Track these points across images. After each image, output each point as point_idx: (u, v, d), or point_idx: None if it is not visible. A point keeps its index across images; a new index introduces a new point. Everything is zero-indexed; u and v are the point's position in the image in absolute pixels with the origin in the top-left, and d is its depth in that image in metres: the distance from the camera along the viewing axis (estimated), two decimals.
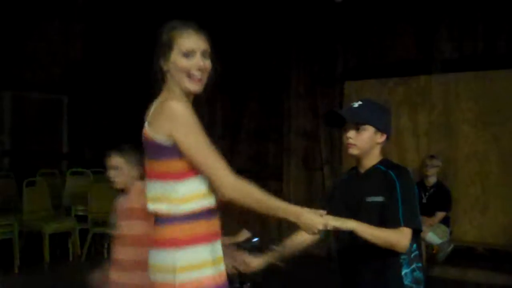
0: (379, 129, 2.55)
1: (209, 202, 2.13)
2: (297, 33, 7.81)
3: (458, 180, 6.61)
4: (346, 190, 2.66)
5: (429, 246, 6.14)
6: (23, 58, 8.30)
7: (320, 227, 2.16)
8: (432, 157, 6.52)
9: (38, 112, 8.71)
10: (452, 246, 6.19)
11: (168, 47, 2.12)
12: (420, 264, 2.52)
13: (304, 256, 2.81)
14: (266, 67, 8.09)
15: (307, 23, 7.71)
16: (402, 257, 2.46)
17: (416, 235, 2.48)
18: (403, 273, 2.46)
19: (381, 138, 2.57)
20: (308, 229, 2.16)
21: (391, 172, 2.50)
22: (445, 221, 6.34)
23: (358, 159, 2.61)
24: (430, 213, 6.27)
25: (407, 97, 6.99)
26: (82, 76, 8.89)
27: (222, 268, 2.17)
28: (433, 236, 6.09)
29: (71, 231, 7.26)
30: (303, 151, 7.81)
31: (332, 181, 2.86)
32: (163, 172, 2.10)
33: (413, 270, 2.48)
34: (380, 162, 2.59)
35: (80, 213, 7.62)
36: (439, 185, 6.45)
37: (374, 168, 2.58)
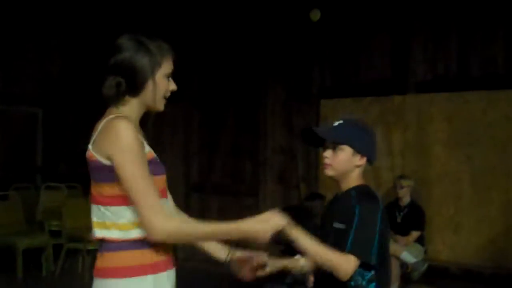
0: (358, 151, 2.41)
1: None
2: (273, 51, 7.86)
3: (431, 200, 6.66)
4: (324, 213, 2.60)
5: (404, 265, 6.17)
6: None
7: (268, 234, 2.06)
8: (401, 177, 6.55)
9: (13, 125, 8.63)
10: (426, 265, 6.21)
11: (158, 65, 2.07)
12: None
13: None
14: (242, 83, 8.13)
15: (283, 41, 7.77)
16: None
17: (379, 273, 2.35)
18: None
19: (360, 160, 2.42)
20: (258, 240, 2.07)
21: (355, 200, 2.36)
22: (420, 240, 6.37)
23: (336, 181, 2.48)
24: (404, 233, 6.31)
25: (381, 117, 7.06)
26: (57, 90, 8.84)
27: None
28: (407, 255, 6.12)
29: (44, 246, 7.17)
30: (279, 167, 7.84)
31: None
32: (108, 196, 2.01)
33: None
34: (355, 188, 2.44)
35: (54, 228, 7.53)
36: (412, 204, 6.49)
37: (347, 192, 2.45)
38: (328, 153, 2.43)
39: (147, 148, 2.06)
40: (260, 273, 2.35)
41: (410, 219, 6.41)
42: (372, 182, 7.05)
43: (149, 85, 2.06)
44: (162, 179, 2.11)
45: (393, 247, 6.02)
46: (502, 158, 6.29)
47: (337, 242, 2.33)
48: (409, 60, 6.96)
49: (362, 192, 2.42)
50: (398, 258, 6.06)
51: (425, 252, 6.36)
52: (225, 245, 2.39)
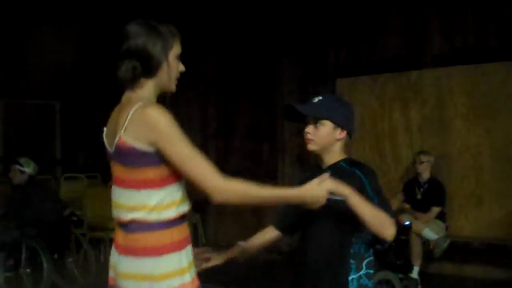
0: (339, 124, 2.48)
1: (184, 208, 2.15)
2: (287, 31, 7.82)
3: (452, 175, 6.61)
4: None
5: (426, 242, 6.13)
6: (15, 65, 8.28)
7: (324, 197, 2.22)
8: (420, 153, 6.49)
9: (31, 118, 8.68)
10: (448, 241, 6.17)
11: (170, 47, 2.17)
12: (371, 271, 2.45)
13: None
14: (257, 65, 8.10)
15: (297, 21, 7.72)
16: (351, 261, 2.41)
17: (374, 242, 2.45)
18: (349, 278, 2.40)
19: (340, 134, 2.49)
20: (316, 204, 2.23)
21: (357, 171, 2.43)
22: (441, 217, 6.32)
23: (319, 156, 2.54)
24: (425, 209, 6.25)
25: (398, 93, 7.00)
26: (74, 81, 8.87)
27: (194, 272, 2.17)
28: (429, 232, 6.07)
29: None
30: (297, 149, 7.81)
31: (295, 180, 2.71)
32: (140, 180, 2.09)
33: (359, 277, 2.41)
34: (343, 160, 2.50)
35: (76, 218, 7.59)
36: (432, 180, 6.43)
37: (337, 165, 2.49)
38: (310, 129, 2.49)
39: None
40: (204, 266, 2.52)
41: (431, 195, 6.35)
42: (391, 159, 7.01)
43: (164, 67, 2.16)
44: None
45: (415, 225, 5.99)
46: None
47: (333, 213, 2.36)
48: (425, 34, 6.87)
49: (352, 161, 2.52)
50: (419, 235, 6.02)
51: (447, 228, 6.31)
52: None
